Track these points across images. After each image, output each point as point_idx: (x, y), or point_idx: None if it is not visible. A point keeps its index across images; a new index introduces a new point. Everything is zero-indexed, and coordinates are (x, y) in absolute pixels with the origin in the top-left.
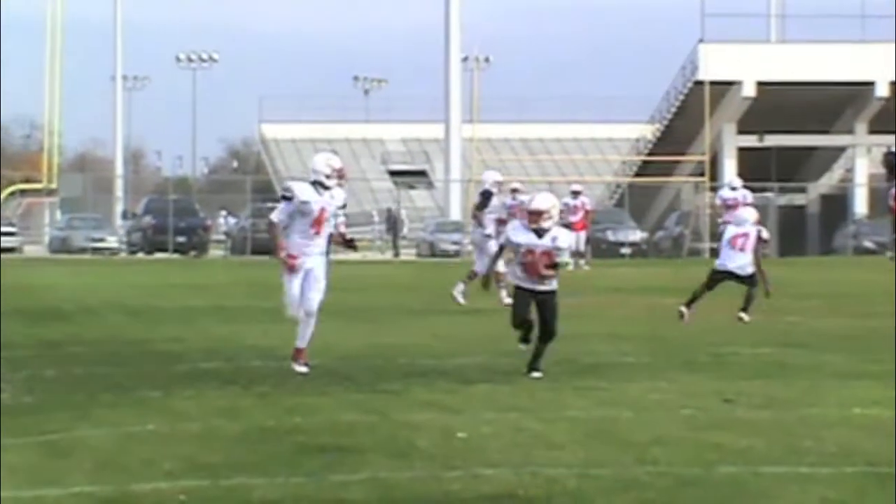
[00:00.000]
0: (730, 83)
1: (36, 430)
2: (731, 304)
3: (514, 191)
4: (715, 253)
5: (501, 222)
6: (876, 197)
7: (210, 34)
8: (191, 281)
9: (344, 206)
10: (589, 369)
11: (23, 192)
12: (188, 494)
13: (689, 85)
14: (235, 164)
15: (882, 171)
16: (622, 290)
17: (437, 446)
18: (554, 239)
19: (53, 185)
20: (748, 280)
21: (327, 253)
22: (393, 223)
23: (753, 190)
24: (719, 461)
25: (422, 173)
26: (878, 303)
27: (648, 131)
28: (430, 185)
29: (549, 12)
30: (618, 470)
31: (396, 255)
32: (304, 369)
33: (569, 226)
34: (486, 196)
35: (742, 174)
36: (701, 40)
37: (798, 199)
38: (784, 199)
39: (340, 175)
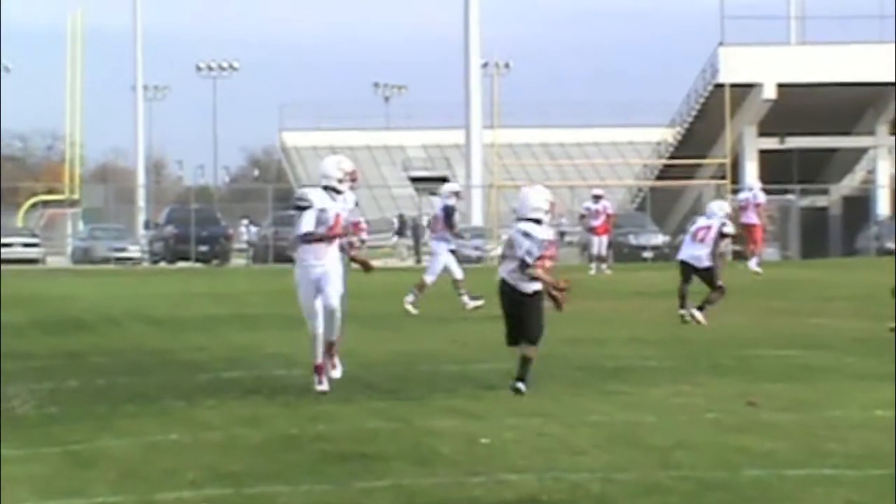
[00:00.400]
0: (750, 85)
1: (59, 440)
2: (754, 307)
3: None
4: (738, 255)
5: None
6: None
7: (230, 43)
8: (213, 290)
9: (357, 205)
10: (611, 374)
11: (45, 204)
12: (211, 503)
13: (710, 88)
14: (256, 172)
15: None
16: (644, 294)
17: (461, 452)
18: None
19: (76, 196)
20: (705, 274)
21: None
22: (414, 230)
23: (775, 192)
24: (743, 464)
25: (443, 179)
26: None
27: (669, 135)
28: None
29: (569, 17)
30: (641, 474)
31: (418, 261)
32: (336, 373)
33: (591, 230)
34: (449, 212)
35: (763, 176)
36: (721, 43)
37: (820, 201)
38: (806, 201)
39: (353, 178)
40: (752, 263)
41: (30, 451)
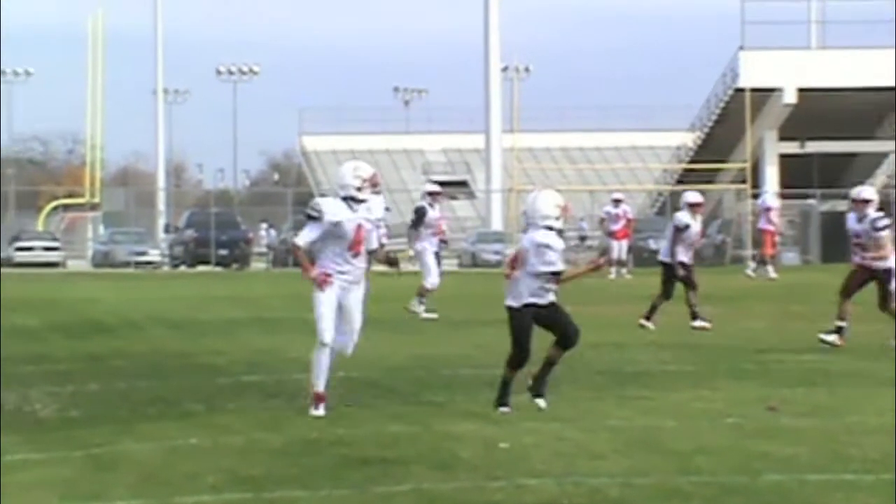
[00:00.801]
0: (771, 90)
1: (80, 443)
2: (774, 312)
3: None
4: (765, 259)
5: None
6: None
7: (250, 47)
8: (233, 294)
9: (388, 210)
10: (631, 378)
11: (66, 207)
12: None
13: (730, 92)
14: (276, 176)
15: None
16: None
17: (480, 457)
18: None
19: (96, 200)
20: (662, 267)
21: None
22: None
23: (795, 197)
24: (764, 469)
25: (463, 184)
26: None
27: (689, 139)
28: (471, 196)
29: (589, 21)
30: (661, 479)
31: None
32: (319, 412)
33: (611, 234)
34: (420, 214)
35: (784, 181)
36: (741, 47)
37: (840, 206)
38: (826, 206)
39: (374, 183)
40: (769, 269)
41: (51, 455)
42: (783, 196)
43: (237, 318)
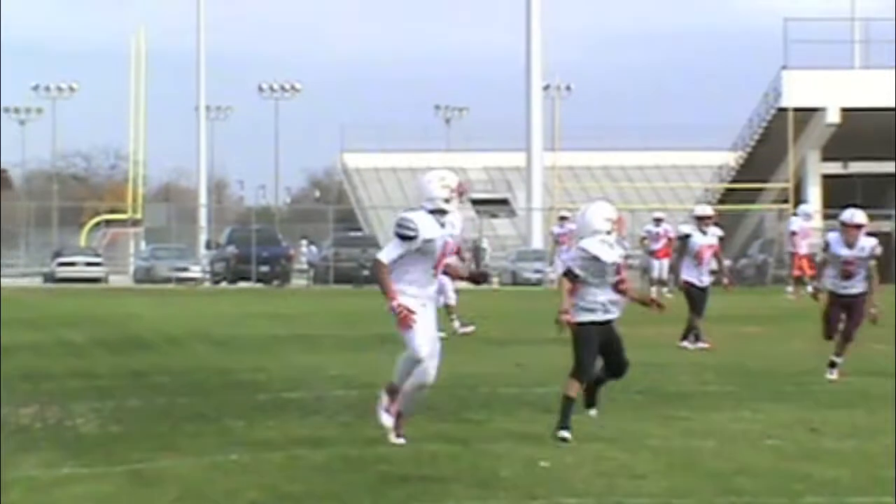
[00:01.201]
0: (813, 110)
1: (122, 459)
2: (814, 333)
3: (563, 218)
4: (796, 280)
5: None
6: None
7: (292, 64)
8: (273, 310)
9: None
10: (672, 398)
11: (108, 223)
12: None
13: (773, 112)
14: (317, 193)
15: None
16: (705, 318)
17: (520, 476)
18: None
19: (138, 216)
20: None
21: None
22: (475, 252)
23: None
24: (805, 491)
25: (504, 202)
26: None
27: (731, 158)
28: (511, 214)
29: (631, 40)
30: (701, 500)
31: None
32: (387, 421)
33: (652, 253)
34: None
35: (826, 201)
36: (784, 67)
37: (885, 227)
38: (870, 227)
39: (461, 192)
40: (808, 289)
41: (93, 470)
42: (826, 216)
43: (278, 335)
